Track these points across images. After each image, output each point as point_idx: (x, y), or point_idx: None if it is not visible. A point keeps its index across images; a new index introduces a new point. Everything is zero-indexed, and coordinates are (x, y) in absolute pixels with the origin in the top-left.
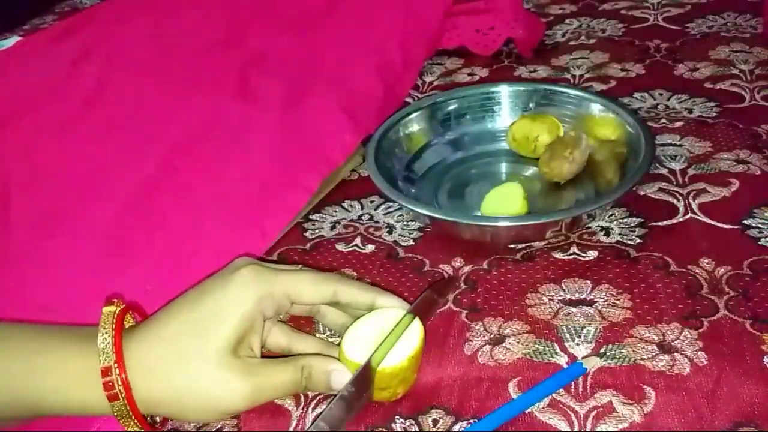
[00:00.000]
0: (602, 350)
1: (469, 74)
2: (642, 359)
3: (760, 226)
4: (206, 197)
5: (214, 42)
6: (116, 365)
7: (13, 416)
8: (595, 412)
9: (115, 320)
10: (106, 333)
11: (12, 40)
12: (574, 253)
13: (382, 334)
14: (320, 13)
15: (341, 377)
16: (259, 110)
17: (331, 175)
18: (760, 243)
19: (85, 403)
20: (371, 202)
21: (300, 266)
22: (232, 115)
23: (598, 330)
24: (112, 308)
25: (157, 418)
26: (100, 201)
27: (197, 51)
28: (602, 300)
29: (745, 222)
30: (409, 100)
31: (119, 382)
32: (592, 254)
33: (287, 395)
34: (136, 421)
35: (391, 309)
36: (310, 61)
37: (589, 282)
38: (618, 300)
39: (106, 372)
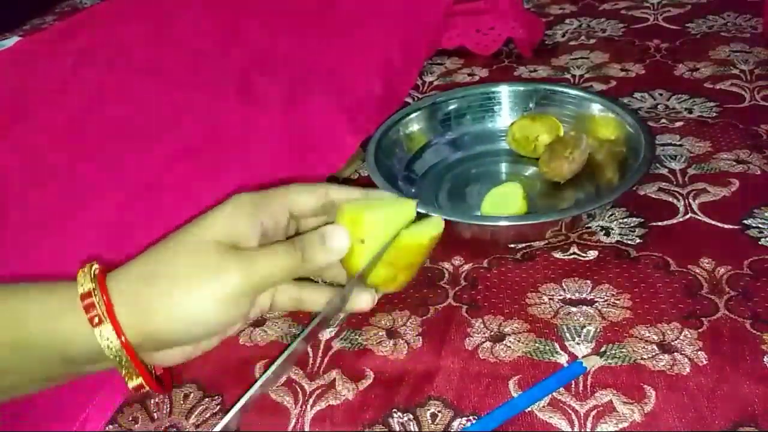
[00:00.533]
0: (602, 350)
1: (469, 74)
2: (642, 359)
3: (760, 226)
4: (207, 198)
5: (215, 43)
6: (97, 290)
7: (18, 364)
8: (595, 411)
9: (93, 268)
10: (85, 271)
11: (12, 40)
12: (574, 253)
13: (380, 204)
14: (320, 14)
15: (336, 231)
16: (259, 111)
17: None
18: (760, 243)
19: (74, 336)
20: None
21: None
22: (232, 116)
23: (598, 329)
24: (89, 265)
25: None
26: (101, 201)
27: (197, 51)
28: (602, 300)
29: (745, 222)
30: (409, 100)
31: (102, 305)
32: (592, 254)
33: (286, 276)
34: (126, 357)
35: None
36: (310, 61)
37: (589, 282)
38: (618, 300)
39: (86, 296)
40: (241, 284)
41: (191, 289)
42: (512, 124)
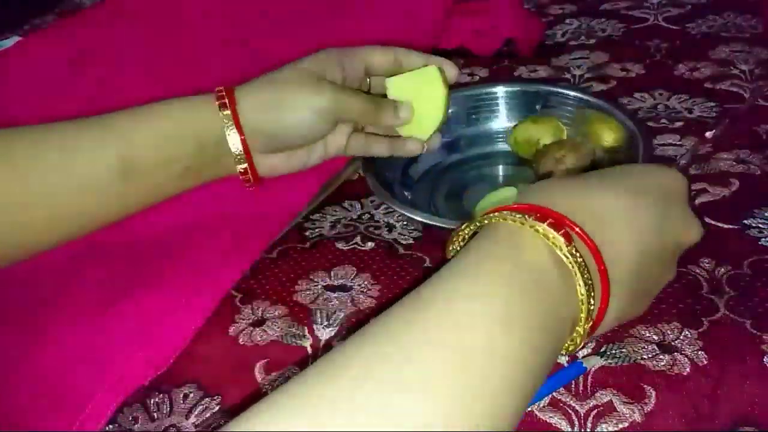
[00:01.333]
0: (603, 349)
1: (469, 74)
2: (642, 359)
3: (760, 226)
4: (206, 199)
5: (216, 42)
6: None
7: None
8: (595, 411)
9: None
10: (215, 94)
11: (12, 40)
12: None
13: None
14: (321, 14)
15: (405, 106)
16: None
17: (332, 178)
18: (760, 243)
19: (211, 133)
20: (371, 201)
21: None
22: None
23: None
24: (218, 89)
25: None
26: None
27: (199, 51)
28: None
29: (745, 222)
30: None
31: (230, 118)
32: None
33: (361, 114)
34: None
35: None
36: None
37: None
38: None
39: (223, 106)
40: (331, 100)
41: (296, 103)
42: (515, 126)
